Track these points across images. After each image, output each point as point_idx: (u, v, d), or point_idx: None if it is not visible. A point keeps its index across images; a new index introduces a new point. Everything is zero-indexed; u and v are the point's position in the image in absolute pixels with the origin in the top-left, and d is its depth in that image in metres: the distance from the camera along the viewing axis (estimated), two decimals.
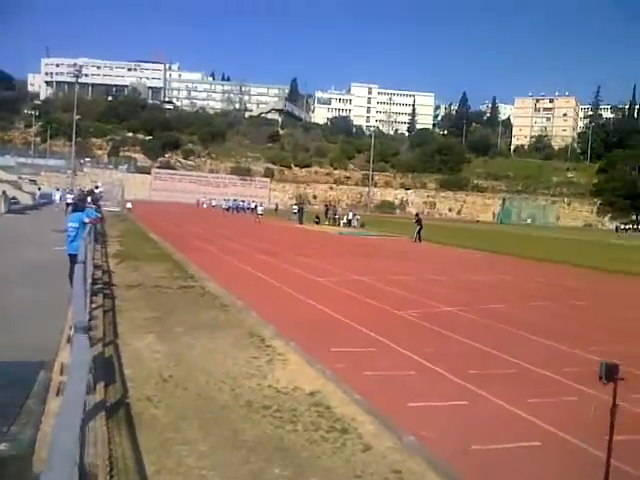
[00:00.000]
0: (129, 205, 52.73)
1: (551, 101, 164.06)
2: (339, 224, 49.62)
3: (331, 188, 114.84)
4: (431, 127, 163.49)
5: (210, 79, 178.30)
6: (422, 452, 5.07)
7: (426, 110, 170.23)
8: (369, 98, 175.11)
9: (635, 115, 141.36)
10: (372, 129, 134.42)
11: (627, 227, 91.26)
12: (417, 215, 38.43)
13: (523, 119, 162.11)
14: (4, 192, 40.82)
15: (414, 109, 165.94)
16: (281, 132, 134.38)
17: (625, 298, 16.72)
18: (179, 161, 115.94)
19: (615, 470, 3.97)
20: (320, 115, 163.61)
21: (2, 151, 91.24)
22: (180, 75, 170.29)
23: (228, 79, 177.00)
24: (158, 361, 7.42)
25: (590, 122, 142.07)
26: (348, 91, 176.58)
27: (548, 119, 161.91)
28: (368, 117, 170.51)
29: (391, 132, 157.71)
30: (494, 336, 9.99)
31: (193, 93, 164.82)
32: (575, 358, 8.76)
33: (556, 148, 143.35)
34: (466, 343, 9.30)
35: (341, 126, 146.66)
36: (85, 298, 7.57)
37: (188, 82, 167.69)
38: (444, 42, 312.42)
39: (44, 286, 12.10)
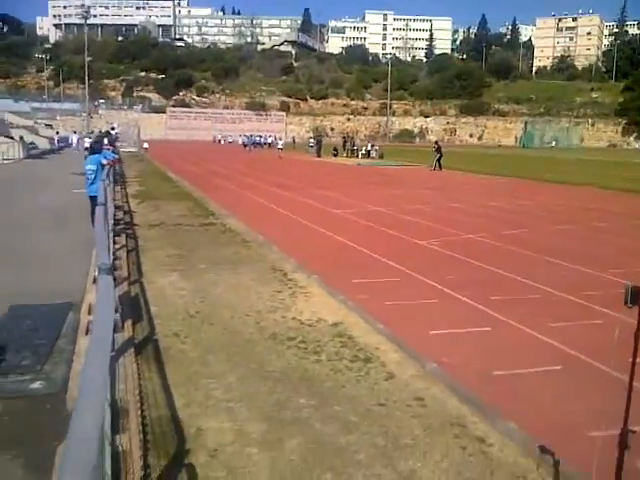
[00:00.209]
0: (146, 145, 52.66)
1: (574, 20, 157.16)
2: (358, 155, 49.03)
3: (348, 119, 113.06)
4: (450, 52, 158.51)
5: (220, 14, 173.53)
6: (444, 379, 5.14)
7: (444, 35, 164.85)
8: (384, 25, 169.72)
9: None
10: (389, 57, 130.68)
11: None
12: (436, 143, 37.79)
13: (545, 40, 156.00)
14: (22, 137, 40.94)
15: (432, 34, 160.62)
16: (295, 64, 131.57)
17: None
18: (193, 99, 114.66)
19: (637, 393, 3.98)
20: (335, 45, 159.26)
21: (16, 97, 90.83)
22: (190, 11, 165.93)
23: (239, 13, 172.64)
24: (183, 298, 7.53)
25: (615, 40, 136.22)
26: (363, 19, 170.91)
27: (571, 39, 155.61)
28: (384, 45, 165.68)
29: (409, 59, 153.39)
30: (516, 262, 9.94)
31: (204, 29, 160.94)
32: (600, 281, 8.70)
33: (580, 68, 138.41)
34: (488, 270, 9.28)
35: (357, 55, 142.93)
36: (108, 239, 7.64)
37: (198, 18, 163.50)
38: None
39: (66, 229, 12.25)
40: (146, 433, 4.08)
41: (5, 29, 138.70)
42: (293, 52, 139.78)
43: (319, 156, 47.50)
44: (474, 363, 5.51)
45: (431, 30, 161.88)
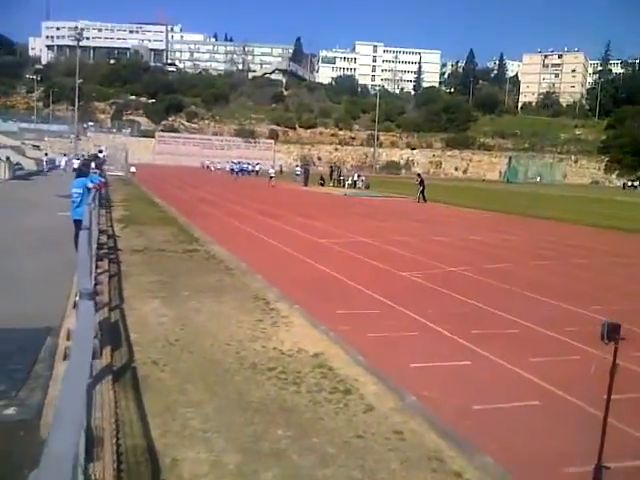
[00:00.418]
0: (133, 169, 52.56)
1: (560, 57, 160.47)
2: (344, 185, 49.35)
3: (336, 149, 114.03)
4: (437, 85, 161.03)
5: (213, 40, 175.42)
6: (423, 413, 5.14)
7: (432, 68, 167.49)
8: (374, 57, 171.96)
9: None
10: (377, 88, 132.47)
11: (635, 184, 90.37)
12: (419, 175, 38.21)
13: (531, 76, 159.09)
14: (8, 158, 40.74)
15: (420, 67, 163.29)
16: (285, 93, 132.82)
17: (630, 256, 16.61)
18: (182, 124, 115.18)
19: (612, 428, 4.02)
20: (325, 75, 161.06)
21: (4, 117, 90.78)
22: (182, 37, 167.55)
23: (231, 39, 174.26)
24: (164, 325, 7.49)
25: (599, 78, 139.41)
26: (353, 50, 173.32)
27: (556, 75, 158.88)
28: (373, 76, 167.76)
29: (397, 91, 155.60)
30: (497, 296, 10.03)
31: (196, 54, 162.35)
32: (578, 317, 8.78)
33: (564, 105, 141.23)
34: (469, 303, 9.34)
35: (346, 86, 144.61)
36: (90, 263, 7.60)
37: (190, 43, 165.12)
38: None
39: (49, 252, 12.17)
40: (120, 462, 4.03)
41: None
42: (283, 81, 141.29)
43: (306, 185, 47.75)
44: (453, 397, 5.52)
45: (420, 63, 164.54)
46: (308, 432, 4.74)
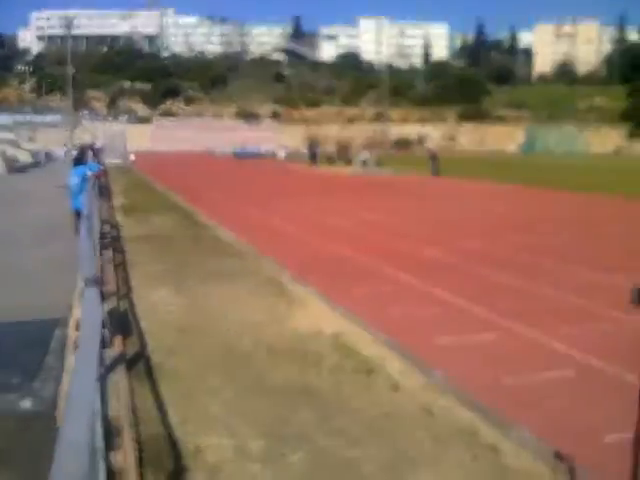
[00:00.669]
0: (132, 157, 52.00)
1: (573, 26, 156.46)
2: (353, 164, 48.31)
3: (343, 127, 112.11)
4: (447, 59, 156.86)
5: (208, 22, 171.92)
6: (453, 389, 4.97)
7: (440, 41, 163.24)
8: (378, 31, 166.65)
9: None
10: (384, 61, 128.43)
11: None
12: (431, 150, 37.53)
13: (545, 46, 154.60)
14: (3, 151, 40.45)
15: (428, 41, 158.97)
16: (286, 72, 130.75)
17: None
18: (181, 108, 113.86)
19: None
20: (327, 52, 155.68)
21: None
22: (177, 21, 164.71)
23: (226, 20, 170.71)
24: (175, 312, 7.29)
25: (616, 45, 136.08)
26: (355, 25, 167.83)
27: (571, 44, 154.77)
28: (379, 52, 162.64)
29: (405, 65, 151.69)
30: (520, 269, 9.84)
31: (191, 38, 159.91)
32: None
33: (580, 74, 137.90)
34: (487, 278, 9.16)
35: (350, 63, 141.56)
36: (94, 252, 7.41)
37: (185, 27, 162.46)
38: None
39: (52, 243, 11.98)
40: (142, 450, 3.88)
41: None
42: (284, 60, 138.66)
43: (314, 165, 46.86)
44: (483, 372, 5.34)
45: (427, 37, 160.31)
46: (333, 413, 4.57)
